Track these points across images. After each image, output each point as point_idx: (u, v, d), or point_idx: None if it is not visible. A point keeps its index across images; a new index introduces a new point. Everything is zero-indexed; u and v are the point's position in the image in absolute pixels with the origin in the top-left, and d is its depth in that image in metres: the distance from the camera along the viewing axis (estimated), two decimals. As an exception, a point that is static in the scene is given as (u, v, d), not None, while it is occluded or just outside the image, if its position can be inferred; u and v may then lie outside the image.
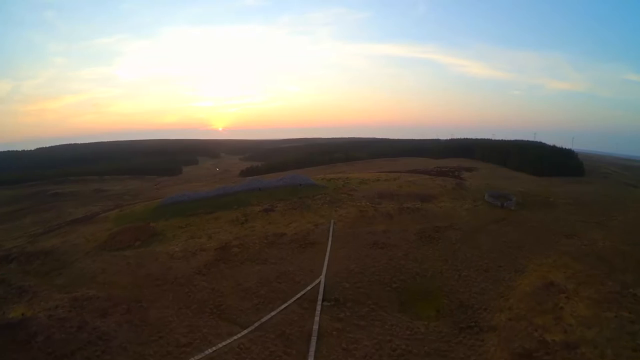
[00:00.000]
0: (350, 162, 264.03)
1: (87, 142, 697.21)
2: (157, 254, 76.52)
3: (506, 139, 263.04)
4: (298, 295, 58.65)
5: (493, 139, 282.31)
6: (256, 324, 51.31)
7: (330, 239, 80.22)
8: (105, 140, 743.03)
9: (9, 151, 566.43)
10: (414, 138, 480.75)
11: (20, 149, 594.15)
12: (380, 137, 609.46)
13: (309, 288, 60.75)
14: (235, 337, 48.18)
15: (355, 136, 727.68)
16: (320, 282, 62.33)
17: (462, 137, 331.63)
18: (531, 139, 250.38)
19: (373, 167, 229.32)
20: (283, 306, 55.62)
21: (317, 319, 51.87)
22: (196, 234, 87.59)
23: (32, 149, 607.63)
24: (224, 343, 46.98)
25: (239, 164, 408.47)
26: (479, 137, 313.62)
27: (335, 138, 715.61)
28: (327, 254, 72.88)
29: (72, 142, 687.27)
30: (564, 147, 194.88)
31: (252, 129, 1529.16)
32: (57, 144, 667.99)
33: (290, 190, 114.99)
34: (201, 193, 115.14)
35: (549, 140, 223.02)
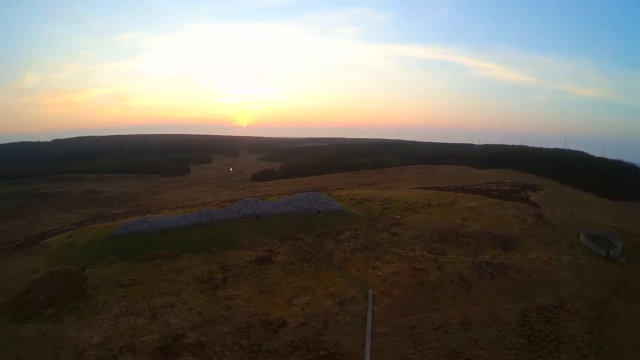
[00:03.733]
0: (380, 170, 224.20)
1: (105, 135, 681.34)
2: (61, 346, 45.47)
3: (538, 146, 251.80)
4: None
5: (533, 146, 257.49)
6: None
7: (368, 344, 42.82)
8: (125, 133, 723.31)
9: (23, 142, 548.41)
10: (439, 142, 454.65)
11: (36, 140, 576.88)
12: (406, 139, 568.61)
13: None
14: None
15: (379, 137, 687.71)
16: None
17: (494, 143, 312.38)
18: (560, 146, 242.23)
19: (408, 176, 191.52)
20: None
21: None
22: (137, 304, 52.28)
23: (49, 140, 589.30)
24: None
25: (255, 163, 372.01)
26: (505, 142, 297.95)
27: (359, 139, 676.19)
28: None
29: (90, 135, 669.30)
30: (630, 162, 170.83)
31: (275, 127, 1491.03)
32: (78, 135, 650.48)
33: (303, 220, 77.51)
34: (171, 219, 77.69)
35: (579, 148, 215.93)
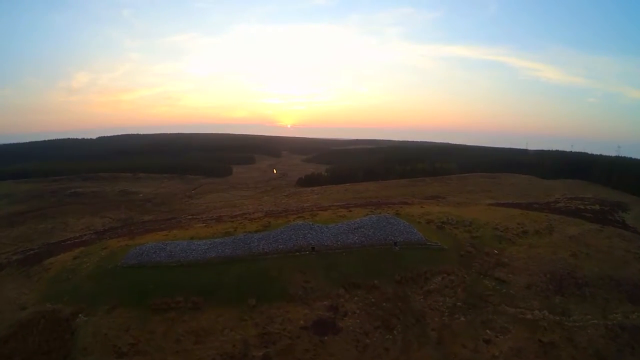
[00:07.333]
0: (439, 177, 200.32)
1: (151, 133, 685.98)
2: None
3: (590, 152, 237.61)
4: None
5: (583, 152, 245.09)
6: None
7: None
8: (171, 132, 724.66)
9: (68, 139, 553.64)
10: (488, 145, 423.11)
11: (81, 137, 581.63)
12: (453, 142, 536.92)
13: None
14: None
15: (424, 140, 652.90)
16: None
17: (547, 149, 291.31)
18: (614, 153, 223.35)
19: (472, 186, 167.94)
20: None
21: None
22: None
23: (94, 137, 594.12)
24: None
25: (300, 165, 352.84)
26: (554, 147, 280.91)
27: (407, 141, 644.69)
28: None
29: (136, 133, 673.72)
30: None
31: (319, 127, 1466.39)
32: (125, 133, 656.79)
33: (375, 256, 56.57)
34: (196, 248, 57.53)
35: (634, 156, 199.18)
